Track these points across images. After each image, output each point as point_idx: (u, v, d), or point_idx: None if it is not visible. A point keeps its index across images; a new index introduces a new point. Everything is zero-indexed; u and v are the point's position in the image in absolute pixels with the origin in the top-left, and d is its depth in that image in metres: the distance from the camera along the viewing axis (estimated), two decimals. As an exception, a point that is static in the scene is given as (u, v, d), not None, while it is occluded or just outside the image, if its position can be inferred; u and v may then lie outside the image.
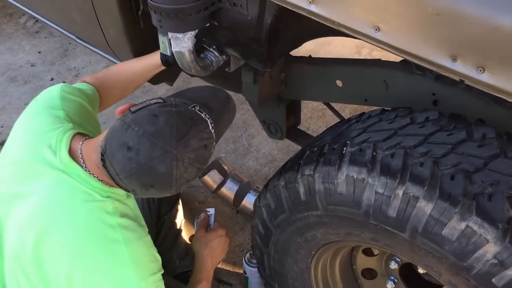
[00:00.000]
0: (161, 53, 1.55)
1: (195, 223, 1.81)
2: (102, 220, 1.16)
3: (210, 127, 1.18)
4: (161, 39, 1.44)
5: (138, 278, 1.19)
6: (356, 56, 3.12)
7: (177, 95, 1.28)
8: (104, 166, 1.13)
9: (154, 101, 1.17)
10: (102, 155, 1.13)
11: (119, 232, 1.16)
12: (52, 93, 1.40)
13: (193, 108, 1.18)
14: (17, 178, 1.23)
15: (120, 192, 1.23)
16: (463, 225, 0.97)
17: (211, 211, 1.78)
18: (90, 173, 1.19)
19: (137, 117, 1.12)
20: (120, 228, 1.17)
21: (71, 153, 1.21)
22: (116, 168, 1.11)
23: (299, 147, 1.96)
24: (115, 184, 1.17)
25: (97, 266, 1.17)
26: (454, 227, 0.98)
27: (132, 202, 1.30)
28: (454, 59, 0.89)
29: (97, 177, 1.19)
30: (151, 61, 1.60)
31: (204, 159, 1.17)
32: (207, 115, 1.18)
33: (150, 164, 1.08)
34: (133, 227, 1.21)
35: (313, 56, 1.70)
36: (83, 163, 1.20)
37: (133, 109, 1.15)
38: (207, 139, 1.16)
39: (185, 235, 1.97)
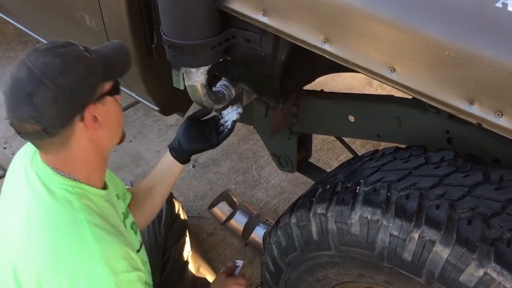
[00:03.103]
0: (169, 146, 1.52)
1: (221, 270, 1.81)
2: (68, 213, 1.15)
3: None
4: (175, 73, 1.44)
5: (107, 271, 1.11)
6: (367, 88, 3.13)
7: None
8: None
9: None
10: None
11: (87, 227, 1.13)
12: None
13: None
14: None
15: (89, 188, 1.21)
16: (481, 272, 0.94)
17: (240, 263, 1.77)
18: (59, 172, 1.19)
19: None
20: (88, 223, 1.14)
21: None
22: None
23: (309, 180, 1.95)
24: (85, 179, 1.20)
25: (63, 257, 1.12)
26: (472, 273, 0.95)
27: (105, 204, 1.26)
28: (471, 103, 0.88)
29: (66, 174, 1.19)
30: (172, 168, 1.54)
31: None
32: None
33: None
34: (103, 226, 1.17)
35: (323, 87, 1.69)
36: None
37: None
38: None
39: (192, 267, 1.94)
